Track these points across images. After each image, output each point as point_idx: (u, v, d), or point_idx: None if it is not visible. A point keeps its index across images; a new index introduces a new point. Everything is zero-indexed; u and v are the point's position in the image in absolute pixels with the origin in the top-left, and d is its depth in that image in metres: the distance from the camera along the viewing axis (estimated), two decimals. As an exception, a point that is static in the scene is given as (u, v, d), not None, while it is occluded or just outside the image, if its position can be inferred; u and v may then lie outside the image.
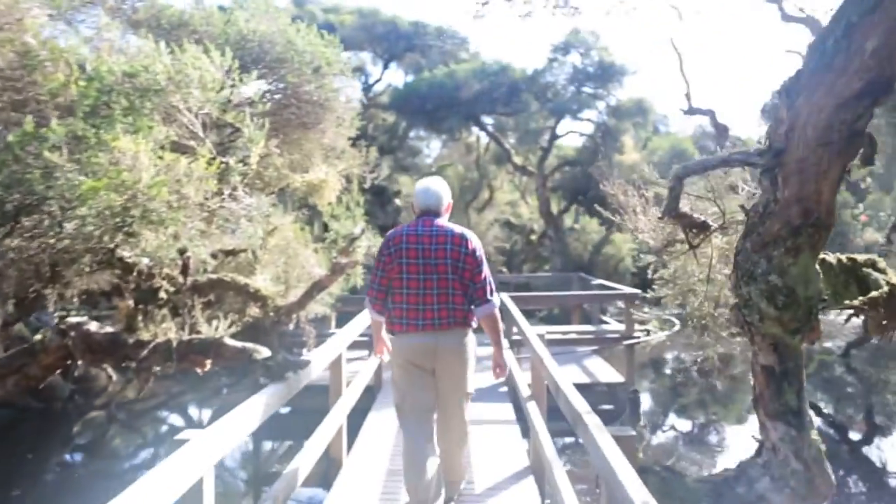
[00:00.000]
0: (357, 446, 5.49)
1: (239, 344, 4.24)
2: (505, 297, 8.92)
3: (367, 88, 21.63)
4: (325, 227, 8.14)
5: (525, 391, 5.41)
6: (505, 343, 4.32)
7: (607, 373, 9.94)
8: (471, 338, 3.74)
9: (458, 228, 3.71)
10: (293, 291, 6.50)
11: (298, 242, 7.77)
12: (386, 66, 21.40)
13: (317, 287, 6.26)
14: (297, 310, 6.25)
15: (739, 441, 8.72)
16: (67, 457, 8.66)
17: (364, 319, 5.98)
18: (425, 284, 3.60)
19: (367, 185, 7.14)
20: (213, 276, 6.40)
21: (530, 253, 24.39)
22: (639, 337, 10.08)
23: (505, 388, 8.38)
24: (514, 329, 8.76)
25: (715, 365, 5.14)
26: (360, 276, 8.91)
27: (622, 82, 16.88)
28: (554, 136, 18.46)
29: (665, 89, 60.68)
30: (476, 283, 3.62)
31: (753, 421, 3.49)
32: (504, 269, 22.50)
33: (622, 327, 10.37)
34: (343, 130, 6.18)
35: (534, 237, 25.11)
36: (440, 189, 3.82)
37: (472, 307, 3.66)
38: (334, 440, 4.85)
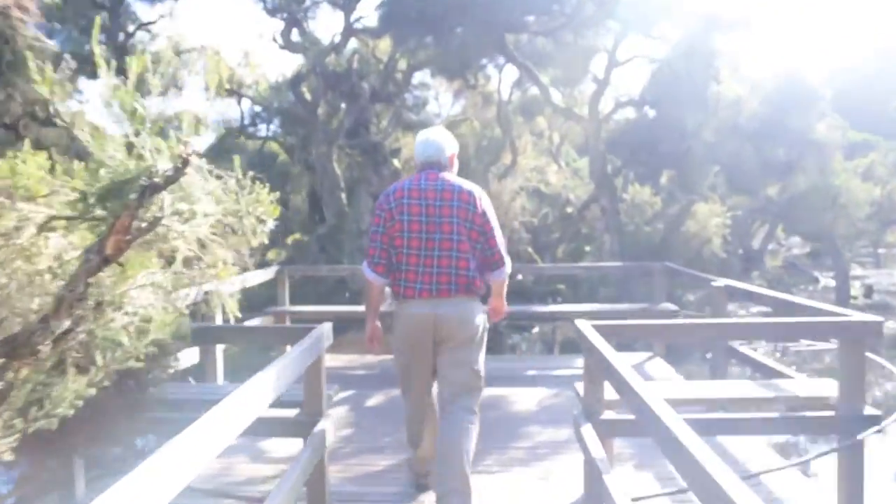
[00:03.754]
0: None
1: None
2: (585, 324, 3.66)
3: (348, 8, 15.94)
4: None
5: None
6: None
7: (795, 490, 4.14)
8: (478, 308, 3.38)
9: (466, 184, 3.40)
10: None
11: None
12: (374, -23, 15.71)
13: None
14: None
15: None
16: None
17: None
18: (427, 244, 3.29)
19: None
20: None
21: (568, 230, 18.68)
22: (881, 416, 4.43)
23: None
24: (608, 394, 3.44)
25: None
26: (233, 301, 3.34)
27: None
28: (613, 63, 12.74)
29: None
30: (492, 247, 3.37)
31: None
32: (531, 252, 16.98)
33: (830, 390, 4.65)
34: None
35: (570, 209, 19.53)
36: (441, 139, 3.52)
37: (485, 272, 3.42)
38: None
